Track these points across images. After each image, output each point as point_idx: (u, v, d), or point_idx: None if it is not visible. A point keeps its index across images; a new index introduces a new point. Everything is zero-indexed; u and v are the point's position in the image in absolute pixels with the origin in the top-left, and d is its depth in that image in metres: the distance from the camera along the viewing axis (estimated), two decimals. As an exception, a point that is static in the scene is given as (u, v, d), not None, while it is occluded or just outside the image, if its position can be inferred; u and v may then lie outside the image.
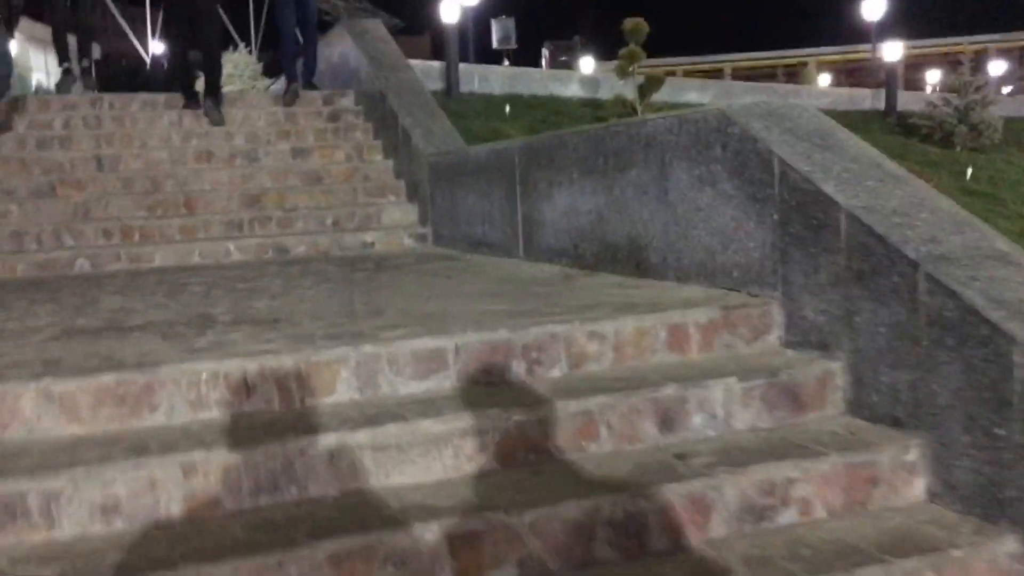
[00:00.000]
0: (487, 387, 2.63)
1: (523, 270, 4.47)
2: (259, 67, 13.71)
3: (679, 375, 2.65)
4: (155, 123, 7.41)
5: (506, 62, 17.78)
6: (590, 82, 11.57)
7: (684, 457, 2.41)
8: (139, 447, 2.21)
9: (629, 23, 10.79)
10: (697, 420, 2.56)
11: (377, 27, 8.28)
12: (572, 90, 11.11)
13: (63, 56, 9.15)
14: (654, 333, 2.83)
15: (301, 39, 8.95)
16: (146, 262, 5.78)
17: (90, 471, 2.08)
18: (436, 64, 10.32)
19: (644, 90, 10.63)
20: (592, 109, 10.26)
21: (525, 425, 2.42)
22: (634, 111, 10.08)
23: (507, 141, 5.33)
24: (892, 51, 14.07)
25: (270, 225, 6.36)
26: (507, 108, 9.60)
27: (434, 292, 3.80)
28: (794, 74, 34.81)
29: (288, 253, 6.05)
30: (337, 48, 8.79)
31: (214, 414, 2.44)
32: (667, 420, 2.54)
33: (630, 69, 10.65)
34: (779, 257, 2.92)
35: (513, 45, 19.09)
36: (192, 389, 2.43)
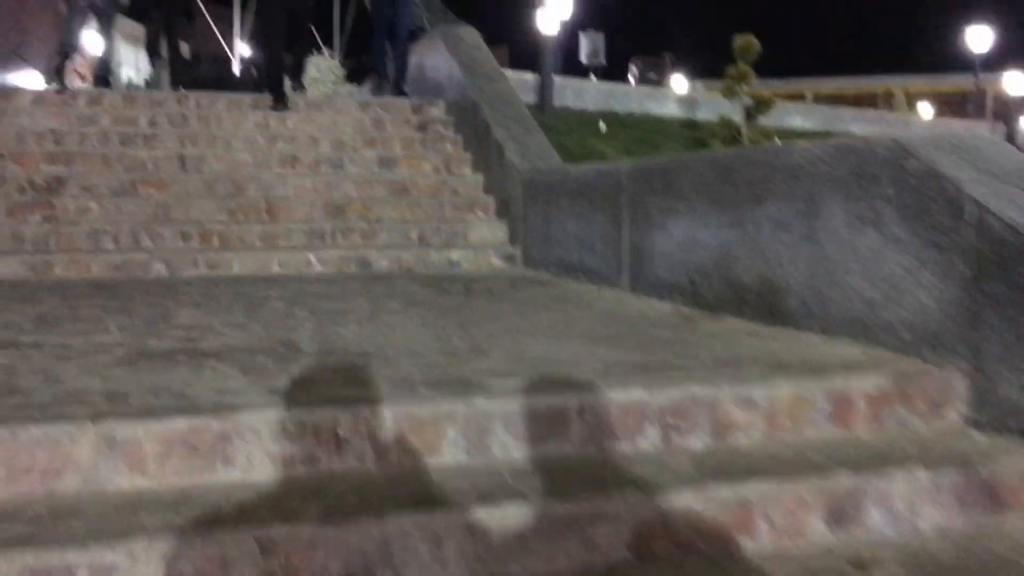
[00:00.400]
0: (617, 456, 2.21)
1: (630, 305, 4.04)
2: (342, 72, 13.60)
3: (849, 458, 2.20)
4: (240, 124, 7.19)
5: (592, 77, 17.40)
6: (687, 102, 11.08)
7: (863, 566, 1.95)
8: (211, 513, 1.84)
9: (740, 41, 10.25)
10: (875, 517, 2.10)
11: (472, 35, 7.96)
12: (669, 109, 10.63)
13: (154, 52, 9.07)
14: (814, 402, 2.38)
15: (390, 46, 8.75)
16: (224, 269, 5.51)
17: (152, 544, 1.72)
18: (528, 76, 9.96)
19: (752, 112, 10.07)
20: (691, 130, 9.76)
21: (667, 512, 1.99)
22: (738, 134, 9.57)
23: (614, 162, 4.92)
24: (1015, 83, 13.16)
25: (353, 236, 6.05)
26: (602, 125, 9.18)
27: (538, 327, 3.40)
28: (874, 102, 33.55)
29: (371, 268, 5.72)
30: (428, 56, 8.50)
31: (298, 471, 2.06)
32: (838, 515, 2.08)
33: (738, 89, 10.11)
34: (968, 319, 2.44)
35: (602, 61, 18.65)
36: (275, 441, 2.06)
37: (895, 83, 38.24)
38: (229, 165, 6.62)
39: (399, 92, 8.53)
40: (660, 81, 28.25)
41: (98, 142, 6.64)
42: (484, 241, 6.21)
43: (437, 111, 7.84)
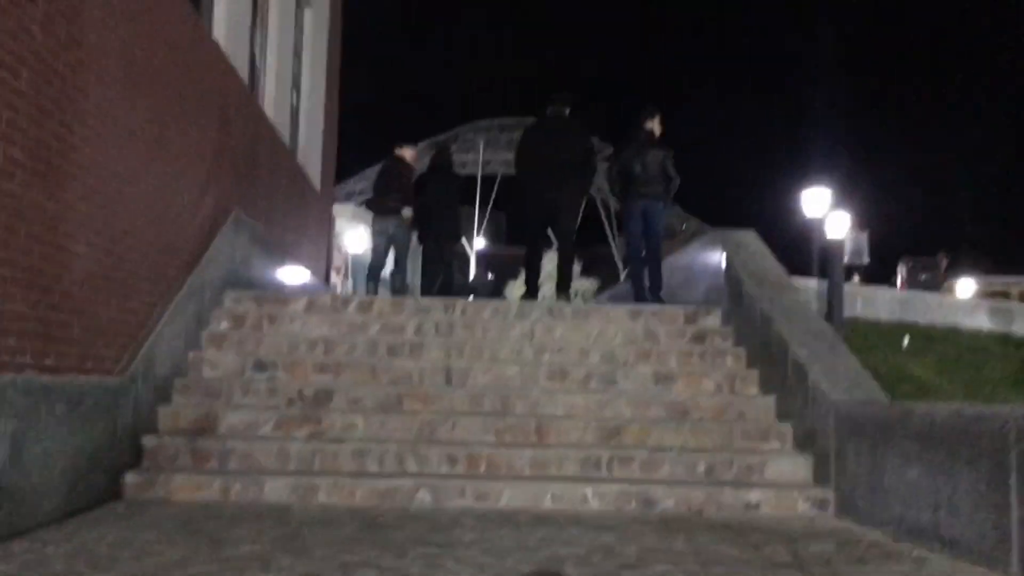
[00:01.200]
0: None
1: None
2: (594, 288, 13.63)
3: None
4: (506, 333, 6.82)
5: (856, 278, 16.25)
6: (1002, 312, 9.72)
7: None
8: None
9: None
10: None
11: (754, 241, 7.32)
12: (979, 321, 9.34)
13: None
14: None
15: (645, 251, 8.38)
16: (492, 501, 4.91)
17: None
18: (810, 282, 9.15)
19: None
20: (1014, 348, 8.43)
21: None
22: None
23: (990, 407, 3.94)
24: None
25: (631, 467, 5.31)
26: (905, 341, 8.12)
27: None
28: None
29: (655, 507, 4.92)
30: (699, 261, 7.93)
31: None
32: None
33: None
34: None
35: (865, 260, 17.50)
36: None
37: None
38: (495, 378, 6.18)
39: (657, 300, 8.02)
40: (935, 284, 26.03)
41: (366, 351, 6.45)
42: (785, 479, 5.27)
43: (713, 320, 7.14)
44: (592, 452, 5.38)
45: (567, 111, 8.20)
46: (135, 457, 5.10)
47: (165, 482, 4.90)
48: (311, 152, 11.64)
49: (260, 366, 6.12)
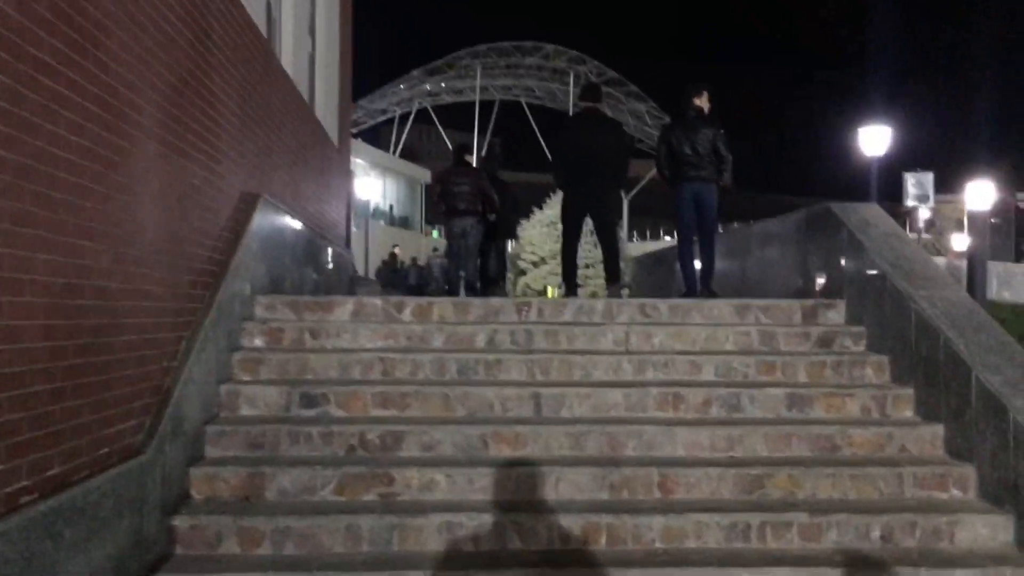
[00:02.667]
0: None
1: None
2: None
3: None
4: (596, 341, 5.69)
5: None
6: None
7: None
8: None
9: None
10: None
11: (882, 217, 6.12)
12: None
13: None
14: None
15: (698, 237, 7.43)
16: (624, 595, 3.85)
17: None
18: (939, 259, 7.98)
19: None
20: None
21: None
22: None
23: None
24: None
25: (788, 536, 4.24)
26: None
27: None
28: None
29: (833, 598, 3.86)
30: (814, 242, 6.74)
31: None
32: None
33: None
34: None
35: (930, 203, 16.15)
36: None
37: None
38: (595, 407, 5.07)
39: (709, 293, 7.04)
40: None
41: (432, 372, 5.32)
42: (982, 546, 4.21)
43: (836, 315, 6.01)
44: (732, 515, 4.28)
45: (601, 105, 8.01)
46: (167, 545, 4.00)
47: (208, 584, 3.82)
48: (328, 104, 10.31)
49: (308, 400, 4.99)
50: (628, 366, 5.41)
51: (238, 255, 5.37)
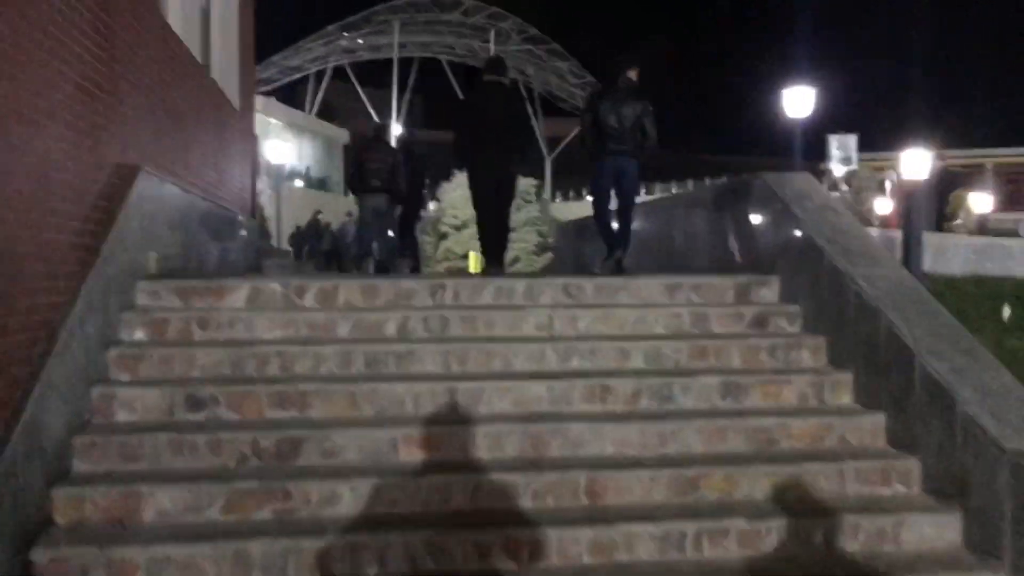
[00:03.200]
0: None
1: None
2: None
3: None
4: (519, 327, 5.24)
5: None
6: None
7: None
8: None
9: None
10: None
11: (816, 189, 5.79)
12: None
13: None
14: None
15: (616, 210, 7.13)
16: (550, 622, 3.45)
17: None
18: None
19: None
20: None
21: None
22: None
23: None
24: None
25: (727, 544, 3.90)
26: (1006, 311, 6.73)
27: None
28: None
29: (776, 615, 3.54)
30: (742, 212, 6.39)
31: None
32: None
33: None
34: None
35: (853, 166, 16.04)
36: None
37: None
38: (516, 401, 4.64)
39: (618, 269, 6.70)
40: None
41: (337, 366, 4.81)
42: (929, 548, 3.94)
43: (770, 293, 5.69)
44: (665, 523, 3.91)
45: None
46: (21, 583, 3.44)
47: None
48: (227, 63, 9.52)
49: (195, 402, 4.43)
50: (552, 354, 4.98)
51: (112, 237, 4.73)
